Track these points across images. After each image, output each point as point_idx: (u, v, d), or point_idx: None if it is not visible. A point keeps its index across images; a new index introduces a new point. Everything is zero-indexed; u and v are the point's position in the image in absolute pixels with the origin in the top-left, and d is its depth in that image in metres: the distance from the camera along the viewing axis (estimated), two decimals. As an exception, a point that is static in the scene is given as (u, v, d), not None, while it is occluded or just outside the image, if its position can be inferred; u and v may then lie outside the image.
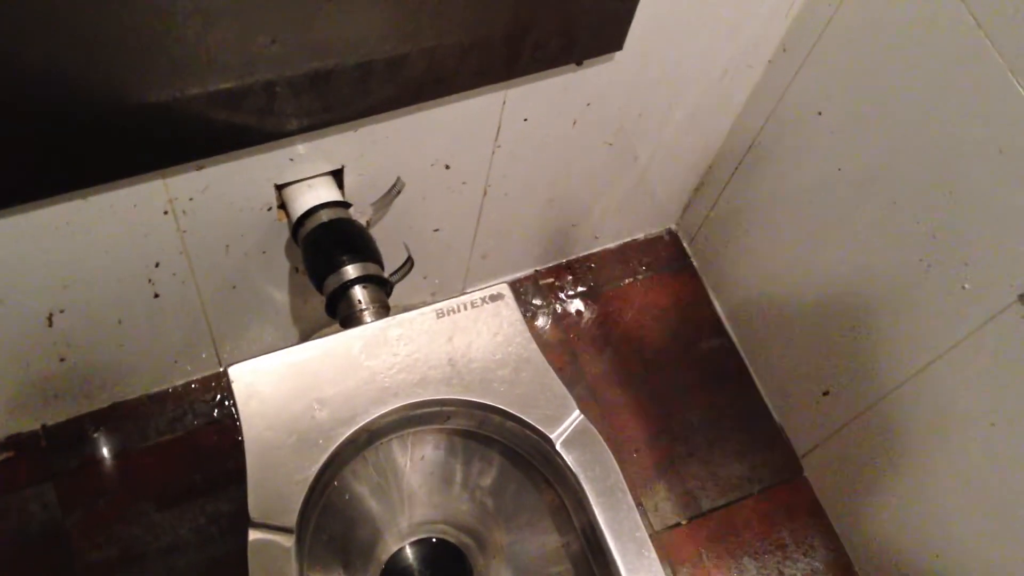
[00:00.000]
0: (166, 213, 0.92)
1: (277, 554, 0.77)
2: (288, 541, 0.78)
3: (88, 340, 1.07)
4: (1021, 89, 0.84)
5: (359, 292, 0.94)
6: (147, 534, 1.18)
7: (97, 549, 1.17)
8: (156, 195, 0.89)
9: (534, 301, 1.44)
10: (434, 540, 0.99)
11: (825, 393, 1.26)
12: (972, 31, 0.87)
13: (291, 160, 0.93)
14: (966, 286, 0.97)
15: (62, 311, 1.00)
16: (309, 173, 0.97)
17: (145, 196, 0.88)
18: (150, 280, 1.02)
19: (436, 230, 1.19)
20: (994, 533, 1.04)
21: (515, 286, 1.44)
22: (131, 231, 0.92)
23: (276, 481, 0.79)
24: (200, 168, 0.88)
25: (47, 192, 0.82)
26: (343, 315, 0.94)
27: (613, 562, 0.81)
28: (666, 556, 1.29)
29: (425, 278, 1.31)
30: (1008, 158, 0.88)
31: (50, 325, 1.01)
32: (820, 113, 1.10)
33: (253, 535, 0.78)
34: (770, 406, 1.41)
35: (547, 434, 0.85)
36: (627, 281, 1.48)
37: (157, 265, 1.00)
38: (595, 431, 0.86)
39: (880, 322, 1.11)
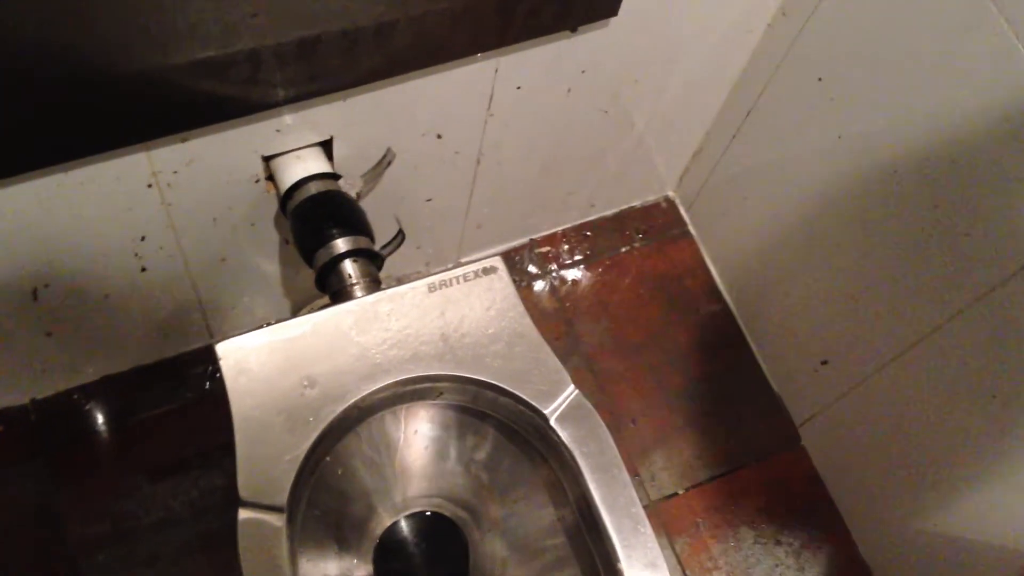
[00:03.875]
0: (150, 186, 0.90)
1: (268, 533, 0.76)
2: (279, 520, 0.77)
3: (75, 314, 1.06)
4: (1027, 55, 0.82)
5: (349, 266, 0.92)
6: (139, 508, 1.18)
7: (89, 524, 1.16)
8: (139, 168, 0.87)
9: (529, 270, 1.43)
10: (429, 514, 0.98)
11: (824, 362, 1.25)
12: (978, -5, 0.85)
13: (278, 131, 0.91)
14: (968, 256, 0.95)
15: (47, 286, 0.98)
16: (297, 144, 0.95)
17: (128, 169, 0.86)
18: (136, 254, 1.00)
19: (429, 200, 1.17)
20: (993, 503, 1.03)
21: (510, 255, 1.43)
22: (115, 205, 0.91)
23: (266, 460, 0.78)
24: (184, 140, 0.86)
25: (26, 166, 0.80)
26: (333, 289, 0.93)
27: (608, 539, 0.81)
28: (663, 526, 1.29)
29: (419, 248, 1.29)
30: (1012, 126, 0.86)
31: (35, 300, 1.00)
32: (820, 79, 1.08)
33: (243, 514, 0.77)
34: (768, 375, 1.40)
35: (541, 410, 0.84)
36: (624, 249, 1.47)
37: (143, 239, 0.98)
38: (590, 406, 0.85)
39: (880, 291, 1.10)
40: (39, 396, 1.21)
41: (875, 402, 1.17)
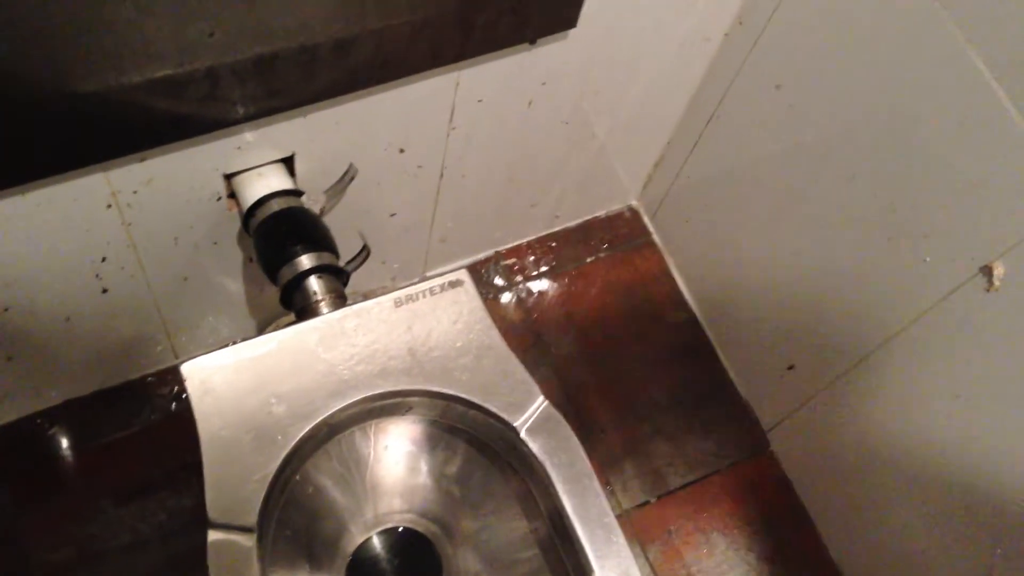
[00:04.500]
0: (109, 207, 0.89)
1: (238, 555, 0.76)
2: (249, 541, 0.76)
3: (36, 338, 1.04)
4: (976, 59, 0.84)
5: (314, 283, 0.92)
6: (105, 532, 1.16)
7: (54, 550, 1.14)
8: (97, 189, 0.86)
9: (496, 282, 1.43)
10: (401, 529, 0.98)
11: (790, 367, 1.26)
12: (927, 1, 0.86)
13: (239, 148, 0.90)
14: (927, 259, 0.96)
15: (6, 310, 0.97)
16: (258, 161, 0.94)
17: (86, 190, 0.85)
18: (97, 275, 0.99)
19: (393, 215, 1.17)
20: (960, 504, 1.04)
21: (476, 268, 1.42)
22: (73, 226, 0.89)
23: (235, 480, 0.78)
24: (143, 160, 0.85)
25: (-19, 189, 0.79)
26: (299, 306, 0.92)
27: (581, 549, 0.81)
28: (635, 535, 1.29)
29: (384, 263, 1.29)
30: (966, 129, 0.87)
31: (-6, 325, 0.98)
32: (778, 87, 1.09)
33: (213, 536, 0.76)
34: (735, 381, 1.41)
35: (511, 422, 0.84)
36: (589, 259, 1.47)
37: (104, 260, 0.97)
38: (560, 417, 0.85)
39: (843, 295, 1.11)
40: (2, 422, 1.19)
41: (842, 405, 1.18)
